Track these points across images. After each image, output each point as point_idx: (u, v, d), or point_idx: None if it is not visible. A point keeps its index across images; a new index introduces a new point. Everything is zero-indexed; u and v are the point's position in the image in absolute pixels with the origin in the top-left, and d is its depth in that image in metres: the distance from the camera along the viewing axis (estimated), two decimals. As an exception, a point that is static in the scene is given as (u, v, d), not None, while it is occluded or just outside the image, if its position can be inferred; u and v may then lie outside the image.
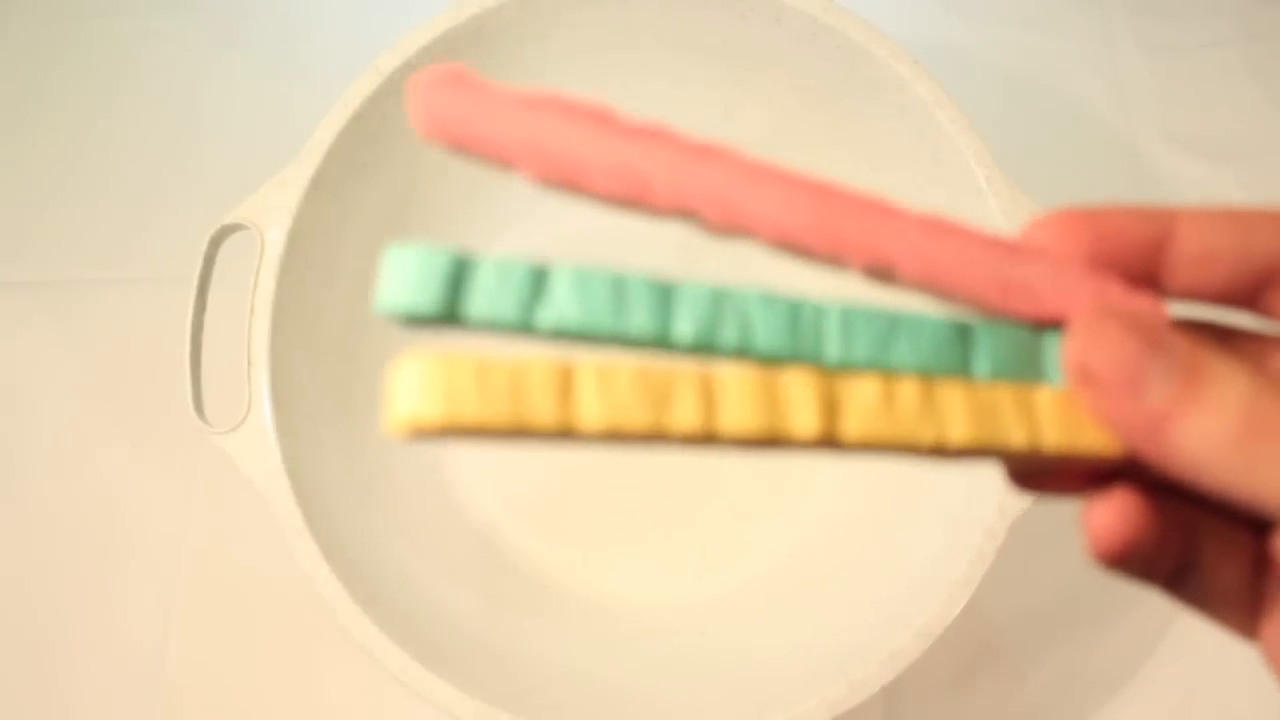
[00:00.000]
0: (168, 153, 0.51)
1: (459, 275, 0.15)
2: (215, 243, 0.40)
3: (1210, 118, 0.52)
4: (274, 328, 0.39)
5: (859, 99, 0.43)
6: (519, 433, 0.15)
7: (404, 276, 0.15)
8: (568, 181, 0.16)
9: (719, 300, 0.16)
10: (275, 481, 0.38)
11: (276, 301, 0.39)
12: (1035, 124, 0.52)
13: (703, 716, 0.41)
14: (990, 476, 0.37)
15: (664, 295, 0.16)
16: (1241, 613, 0.20)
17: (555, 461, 0.47)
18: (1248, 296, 0.19)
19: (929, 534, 0.41)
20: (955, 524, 0.39)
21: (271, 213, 0.39)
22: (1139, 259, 0.19)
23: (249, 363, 0.39)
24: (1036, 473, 0.19)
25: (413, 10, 0.48)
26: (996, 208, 0.39)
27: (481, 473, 0.47)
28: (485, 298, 0.15)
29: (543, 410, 0.15)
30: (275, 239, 0.39)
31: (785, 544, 0.46)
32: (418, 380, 0.15)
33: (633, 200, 0.17)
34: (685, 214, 0.17)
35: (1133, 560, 0.18)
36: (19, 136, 0.52)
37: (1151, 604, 0.45)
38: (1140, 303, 0.19)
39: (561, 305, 0.16)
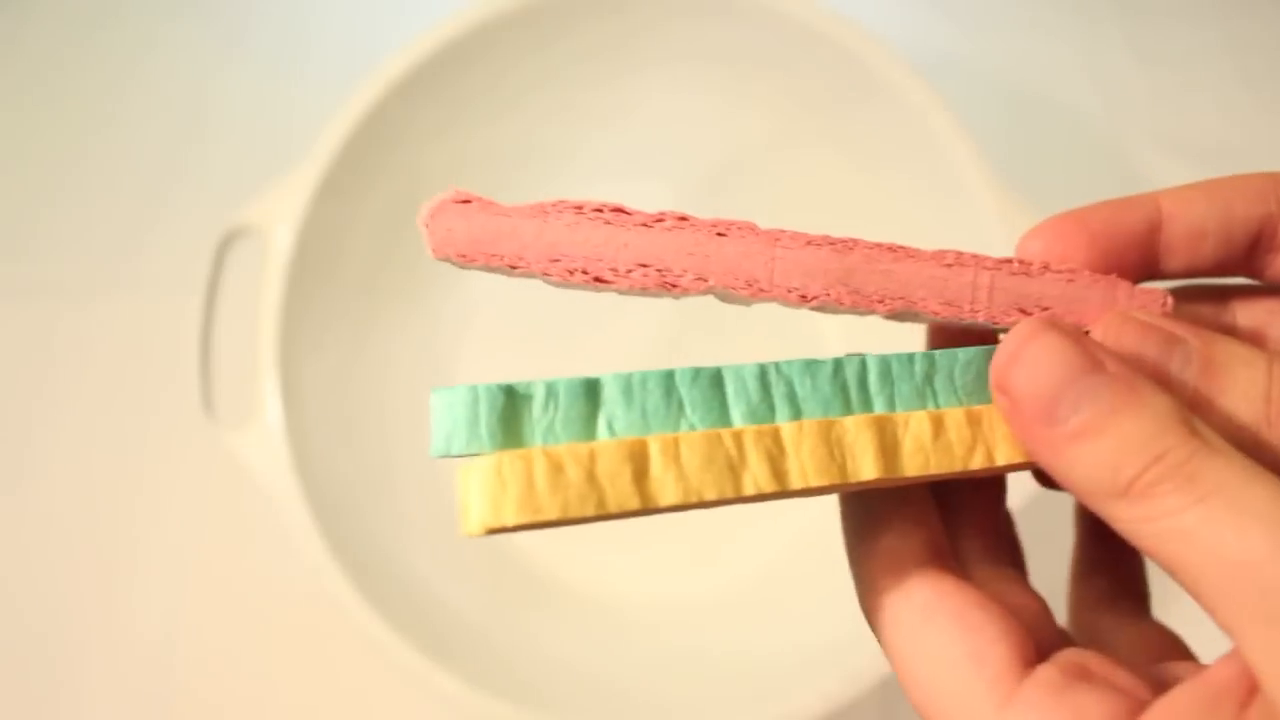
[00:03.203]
0: (173, 156, 0.51)
1: (511, 405, 0.15)
2: (224, 244, 0.40)
3: (1200, 123, 0.53)
4: (282, 328, 0.39)
5: (855, 105, 0.43)
6: (599, 518, 0.15)
7: (455, 418, 0.15)
8: (592, 283, 0.17)
9: (764, 378, 0.17)
10: (284, 480, 0.38)
11: (285, 302, 0.39)
12: (1028, 129, 0.53)
13: (701, 710, 0.41)
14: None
15: (714, 385, 0.16)
16: None
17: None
18: (1242, 262, 0.20)
19: (924, 531, 0.42)
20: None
21: (280, 214, 0.40)
22: (1135, 249, 0.20)
23: (258, 363, 0.39)
24: None
25: (413, 17, 0.48)
26: (990, 210, 0.39)
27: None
28: (543, 424, 0.15)
29: (622, 495, 0.15)
30: (284, 240, 0.40)
31: (783, 540, 0.47)
32: (491, 483, 0.15)
33: (658, 290, 0.17)
34: (711, 293, 0.18)
35: None
36: (25, 141, 0.52)
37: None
38: (1146, 297, 0.20)
39: (617, 416, 0.16)
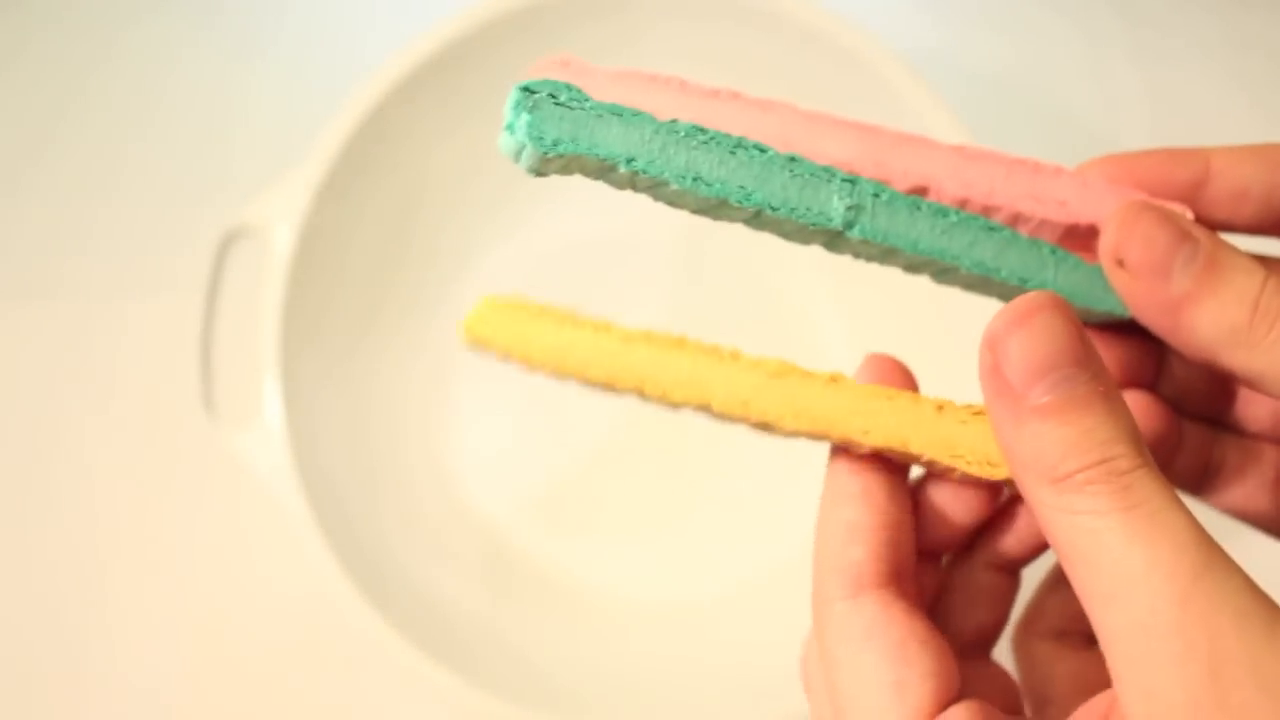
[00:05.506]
0: (173, 156, 0.51)
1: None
2: (226, 243, 0.40)
3: (1200, 123, 0.53)
4: (283, 328, 0.39)
5: (855, 105, 0.43)
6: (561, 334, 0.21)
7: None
8: None
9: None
10: (285, 480, 0.38)
11: (286, 302, 0.39)
12: (1028, 128, 0.53)
13: (701, 710, 0.42)
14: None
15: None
16: (1268, 515, 0.22)
17: (560, 459, 0.48)
18: (1278, 227, 0.21)
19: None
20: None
21: (280, 214, 0.40)
22: (1178, 202, 0.21)
23: (259, 363, 0.39)
24: None
25: (414, 17, 0.48)
26: (990, 211, 0.40)
27: (487, 470, 0.48)
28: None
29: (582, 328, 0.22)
30: (284, 240, 0.40)
31: (783, 541, 0.47)
32: (486, 309, 0.23)
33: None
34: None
35: (1158, 453, 0.20)
36: (24, 142, 0.52)
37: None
38: (1166, 202, 0.21)
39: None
